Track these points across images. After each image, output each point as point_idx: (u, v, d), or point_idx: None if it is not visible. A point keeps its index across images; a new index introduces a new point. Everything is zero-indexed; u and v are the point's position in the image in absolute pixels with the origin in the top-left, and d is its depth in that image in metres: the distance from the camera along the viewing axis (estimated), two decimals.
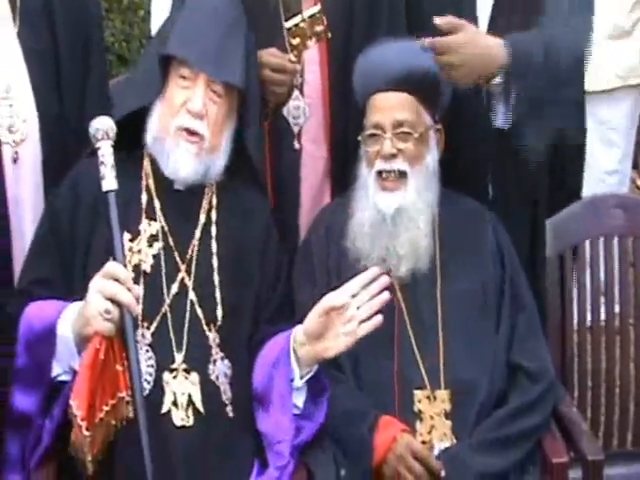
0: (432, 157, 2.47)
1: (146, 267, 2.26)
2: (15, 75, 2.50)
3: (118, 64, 5.31)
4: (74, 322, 2.11)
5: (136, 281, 2.20)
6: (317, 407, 2.26)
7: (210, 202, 2.37)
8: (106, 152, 2.13)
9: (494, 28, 2.64)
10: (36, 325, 2.15)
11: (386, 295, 2.17)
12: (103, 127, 2.15)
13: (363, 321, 2.16)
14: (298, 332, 2.20)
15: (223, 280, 2.30)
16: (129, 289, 2.07)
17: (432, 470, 2.26)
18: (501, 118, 2.59)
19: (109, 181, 2.11)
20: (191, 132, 2.28)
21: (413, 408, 2.32)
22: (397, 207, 2.40)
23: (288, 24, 2.52)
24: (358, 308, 2.16)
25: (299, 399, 2.23)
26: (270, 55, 2.51)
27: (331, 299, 2.15)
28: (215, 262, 2.31)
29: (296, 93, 2.64)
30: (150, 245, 2.28)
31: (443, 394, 2.33)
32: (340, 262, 2.45)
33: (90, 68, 2.64)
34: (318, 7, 2.52)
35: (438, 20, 2.38)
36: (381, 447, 2.25)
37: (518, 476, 2.31)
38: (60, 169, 2.44)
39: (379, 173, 2.43)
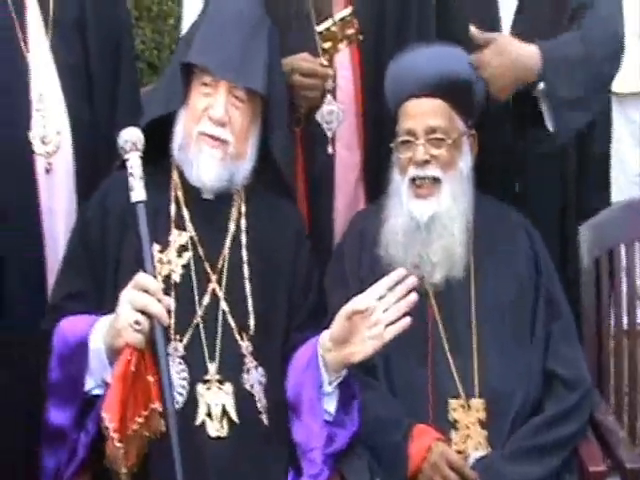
0: (465, 163, 2.45)
1: (176, 277, 2.25)
2: (48, 86, 2.51)
3: (149, 72, 5.33)
4: (105, 334, 2.11)
5: (167, 292, 2.19)
6: (348, 414, 2.24)
7: (239, 210, 2.36)
8: (134, 163, 2.12)
9: (517, 29, 2.64)
10: (69, 339, 2.15)
11: (414, 296, 2.13)
12: (131, 139, 2.14)
13: (391, 324, 2.13)
14: (325, 338, 2.19)
15: (254, 289, 2.29)
16: (159, 300, 2.06)
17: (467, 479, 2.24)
18: (548, 120, 2.57)
19: (138, 192, 2.10)
20: (214, 138, 2.27)
21: (448, 417, 2.30)
22: (431, 214, 2.38)
23: (319, 28, 2.50)
24: (385, 311, 2.13)
25: (330, 405, 2.22)
26: (301, 60, 2.50)
27: (354, 303, 2.13)
28: (246, 271, 2.30)
29: (329, 98, 2.63)
30: (179, 255, 2.27)
31: (478, 403, 2.31)
32: (373, 269, 2.42)
33: (121, 77, 2.65)
34: (349, 10, 2.50)
35: (473, 30, 2.40)
36: (416, 456, 2.24)
37: None
38: (93, 179, 2.46)
39: (412, 180, 2.40)
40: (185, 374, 2.20)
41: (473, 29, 2.42)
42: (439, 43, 2.53)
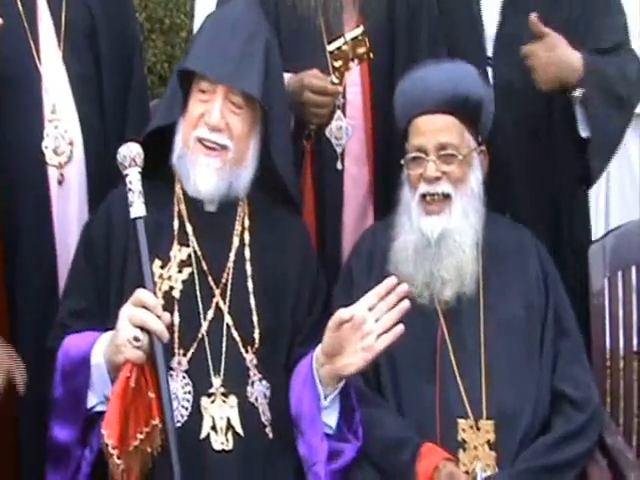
0: (476, 179, 2.42)
1: (176, 293, 2.22)
2: (60, 97, 2.51)
3: (160, 85, 5.33)
4: (106, 350, 2.10)
5: (169, 308, 2.17)
6: (351, 428, 2.21)
7: (243, 224, 2.33)
8: (134, 179, 2.09)
9: (502, 33, 2.69)
10: (72, 355, 2.14)
11: (406, 304, 2.10)
12: (130, 154, 2.11)
13: (384, 334, 2.09)
14: (318, 352, 2.16)
15: (259, 303, 2.27)
16: (159, 316, 2.04)
17: None
18: (581, 127, 2.63)
19: (137, 208, 2.08)
20: (210, 146, 2.23)
21: (457, 437, 2.27)
22: (441, 231, 2.36)
23: (330, 47, 2.48)
24: (377, 321, 2.10)
25: (330, 419, 2.19)
26: (312, 77, 2.48)
27: (340, 313, 2.10)
28: (250, 285, 2.28)
29: (338, 113, 2.62)
30: (180, 271, 2.25)
31: (487, 425, 2.28)
32: None
33: (132, 89, 2.65)
34: (361, 29, 2.48)
35: (532, 18, 2.50)
36: (423, 475, 2.20)
37: None
38: (105, 190, 2.43)
39: (423, 196, 2.38)
40: (189, 388, 2.18)
41: (533, 17, 2.51)
42: (450, 60, 2.52)
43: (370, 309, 2.11)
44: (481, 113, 2.45)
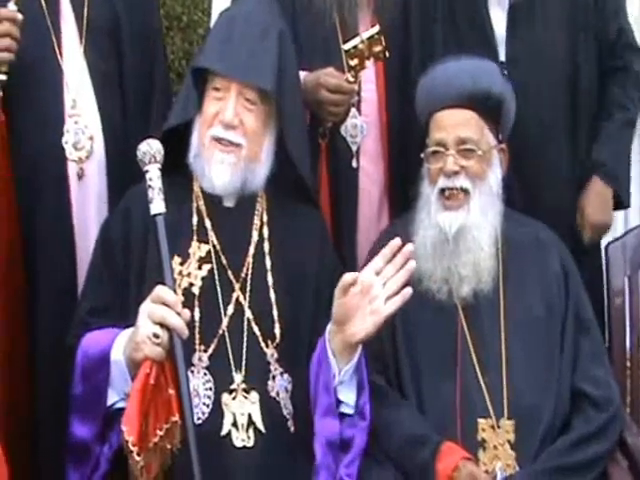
0: (495, 176, 2.39)
1: (195, 290, 2.20)
2: (81, 93, 2.49)
3: (178, 82, 5.30)
4: (125, 347, 2.07)
5: (189, 304, 2.14)
6: (357, 405, 2.17)
7: (261, 218, 2.31)
8: (154, 175, 2.06)
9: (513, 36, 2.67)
10: (92, 352, 2.12)
11: (412, 264, 2.07)
12: (150, 150, 2.08)
13: (392, 297, 2.07)
14: (330, 325, 2.14)
15: (279, 296, 2.25)
16: (178, 313, 2.01)
17: None
18: None
19: (157, 204, 2.05)
20: (226, 142, 2.21)
21: (477, 436, 2.24)
22: (459, 226, 2.32)
23: (346, 46, 2.46)
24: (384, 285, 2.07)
25: (349, 396, 2.16)
26: (327, 75, 2.46)
27: (345, 277, 2.08)
28: (270, 278, 2.25)
29: (354, 111, 2.60)
30: (199, 267, 2.22)
31: (508, 425, 2.25)
32: None
33: (154, 84, 2.62)
34: (377, 28, 2.45)
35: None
36: (443, 474, 2.17)
37: None
38: (125, 185, 2.41)
39: (442, 191, 2.35)
40: (210, 384, 2.15)
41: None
42: (472, 56, 2.47)
43: (377, 273, 2.08)
44: (502, 109, 2.42)
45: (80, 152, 2.46)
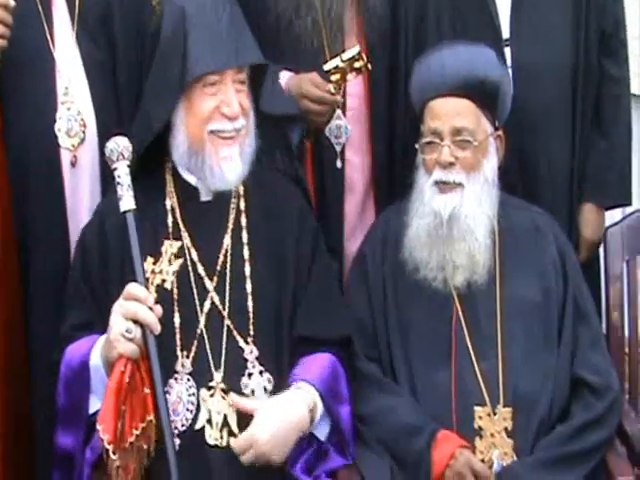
0: (490, 165, 2.29)
1: (167, 285, 2.11)
2: (73, 80, 2.41)
3: None
4: (102, 349, 2.02)
5: (162, 301, 2.05)
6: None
7: (238, 207, 2.21)
8: (122, 172, 2.02)
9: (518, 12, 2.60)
10: (73, 362, 2.08)
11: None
12: (117, 148, 2.04)
13: None
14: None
15: (256, 288, 2.14)
16: (150, 308, 1.96)
17: None
18: None
19: (127, 201, 2.01)
20: (227, 136, 2.12)
21: (473, 424, 2.16)
22: (453, 208, 2.23)
23: (326, 67, 2.38)
24: None
25: (322, 430, 2.12)
26: (310, 84, 2.39)
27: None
28: (247, 269, 2.15)
29: (338, 112, 2.53)
30: (170, 263, 2.14)
31: (505, 412, 2.17)
32: (396, 273, 2.30)
33: (147, 71, 2.52)
34: (357, 49, 2.37)
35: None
36: (439, 463, 2.10)
37: None
38: None
39: (436, 183, 2.26)
40: (194, 390, 2.07)
41: None
42: (466, 43, 2.37)
43: None
44: (498, 97, 2.32)
45: (73, 139, 2.38)
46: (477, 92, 2.27)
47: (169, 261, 2.14)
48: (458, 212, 2.23)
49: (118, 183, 2.01)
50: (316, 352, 2.14)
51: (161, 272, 2.13)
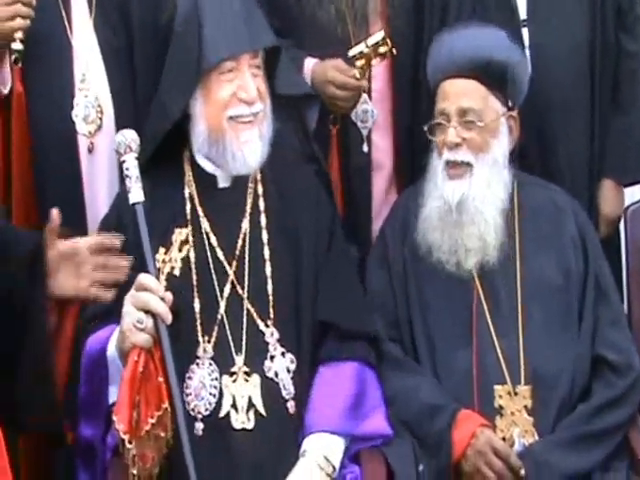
0: (501, 147, 2.25)
1: (176, 272, 2.10)
2: (91, 67, 2.38)
3: None
4: (117, 340, 1.99)
5: (170, 288, 2.02)
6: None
7: (255, 191, 2.18)
8: (130, 165, 1.99)
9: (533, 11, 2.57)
10: (92, 352, 2.05)
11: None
12: (125, 140, 2.00)
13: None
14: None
15: (275, 271, 2.12)
16: (162, 298, 1.93)
17: (512, 468, 2.06)
18: None
19: (135, 193, 1.98)
20: (247, 121, 2.11)
21: (494, 403, 2.13)
22: (461, 196, 2.20)
23: (351, 52, 2.37)
24: None
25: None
26: (335, 70, 2.38)
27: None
28: (267, 253, 2.13)
29: (364, 97, 2.50)
30: (180, 250, 2.12)
31: (525, 390, 2.13)
32: (415, 254, 2.27)
33: (164, 60, 2.49)
34: (382, 34, 2.36)
35: None
36: (460, 443, 2.07)
37: (603, 473, 2.10)
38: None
39: (447, 163, 2.23)
40: (216, 374, 2.05)
41: None
42: (479, 24, 2.35)
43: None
44: (507, 77, 2.27)
45: (90, 126, 2.36)
46: (484, 73, 2.23)
47: (179, 249, 2.12)
48: (466, 196, 2.21)
49: (127, 176, 1.99)
50: (340, 356, 2.11)
51: (171, 260, 2.11)
